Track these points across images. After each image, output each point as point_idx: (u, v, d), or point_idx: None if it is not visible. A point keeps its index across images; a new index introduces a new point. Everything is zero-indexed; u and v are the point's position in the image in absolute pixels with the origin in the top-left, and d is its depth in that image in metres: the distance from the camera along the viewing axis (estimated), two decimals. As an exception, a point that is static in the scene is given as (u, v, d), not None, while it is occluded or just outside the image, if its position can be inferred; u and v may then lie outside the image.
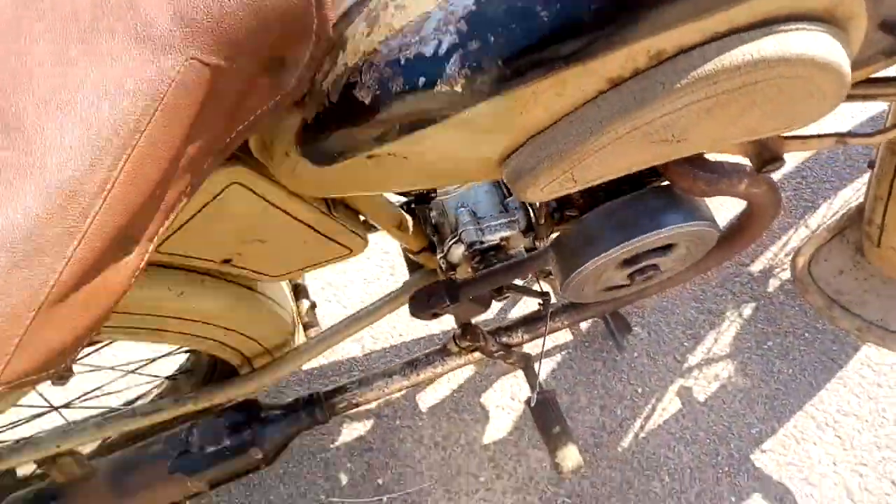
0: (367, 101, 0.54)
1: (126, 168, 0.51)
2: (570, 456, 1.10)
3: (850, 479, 1.29)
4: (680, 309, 1.45)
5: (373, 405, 1.40)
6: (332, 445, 1.37)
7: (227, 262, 0.81)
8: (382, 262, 1.57)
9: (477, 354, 1.14)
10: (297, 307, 1.15)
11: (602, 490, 1.31)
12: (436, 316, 0.79)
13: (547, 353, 1.43)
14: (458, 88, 0.51)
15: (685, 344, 1.42)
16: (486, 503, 1.31)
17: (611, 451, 1.34)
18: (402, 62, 0.52)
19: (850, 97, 0.79)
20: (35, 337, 0.50)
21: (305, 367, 1.46)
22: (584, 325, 1.45)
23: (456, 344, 1.08)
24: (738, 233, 1.08)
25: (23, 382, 0.51)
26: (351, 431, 1.38)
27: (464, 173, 0.63)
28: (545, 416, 1.13)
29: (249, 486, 1.35)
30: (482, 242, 0.92)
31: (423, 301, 0.77)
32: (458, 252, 0.93)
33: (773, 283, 1.45)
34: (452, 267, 0.96)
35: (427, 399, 1.40)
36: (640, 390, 1.38)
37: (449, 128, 0.54)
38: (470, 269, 0.95)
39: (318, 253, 0.87)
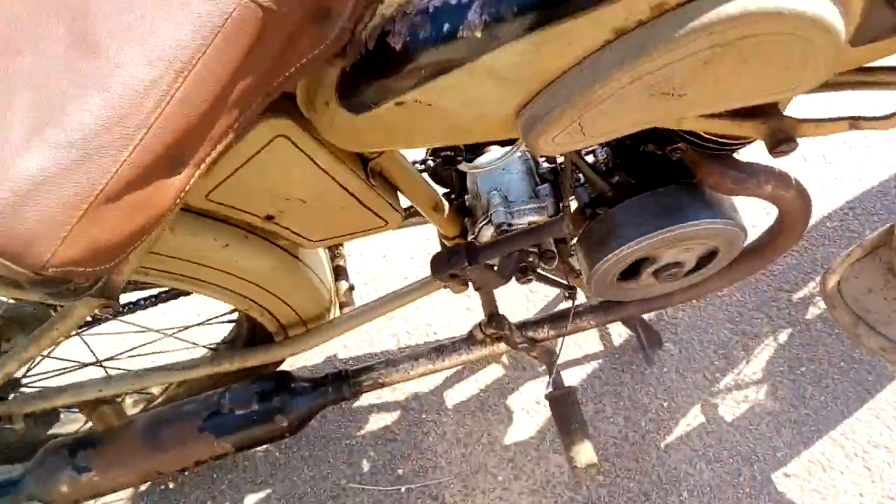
0: (398, 48, 0.59)
1: (181, 89, 0.56)
2: (585, 452, 1.10)
3: (876, 512, 1.26)
4: (714, 329, 1.44)
5: (401, 397, 1.43)
6: (357, 433, 1.40)
7: (269, 218, 0.86)
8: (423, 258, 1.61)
9: (503, 346, 1.17)
10: (336, 287, 1.20)
11: (619, 500, 1.30)
12: (454, 278, 0.82)
13: (576, 362, 1.44)
14: (478, 34, 0.56)
15: (716, 363, 1.41)
16: (503, 502, 1.32)
17: (631, 462, 1.33)
18: (431, 11, 0.57)
19: (863, 84, 0.81)
20: (85, 230, 0.55)
21: (341, 355, 1.50)
22: (615, 338, 1.46)
23: (481, 331, 1.10)
24: (769, 243, 1.09)
25: (70, 271, 0.56)
26: (377, 421, 1.41)
27: (485, 127, 0.67)
28: (563, 411, 1.14)
29: (276, 465, 1.38)
30: (510, 225, 0.95)
31: (444, 261, 0.81)
32: (487, 233, 0.97)
33: (812, 311, 1.44)
34: (481, 243, 0.99)
35: (454, 396, 1.43)
36: (665, 405, 1.38)
37: (470, 74, 0.58)
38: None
39: (355, 221, 0.91)
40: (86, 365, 1.15)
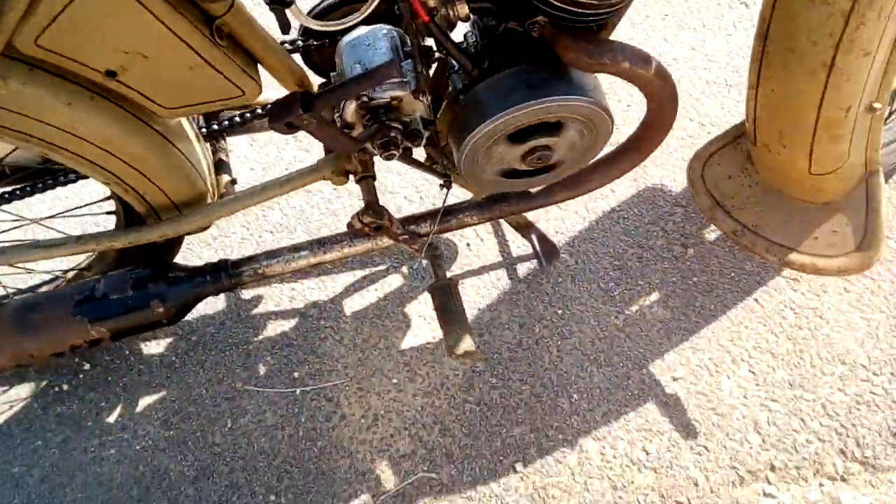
0: None
1: None
2: (464, 340, 1.10)
3: (758, 413, 1.26)
4: (610, 241, 1.44)
5: (300, 304, 1.41)
6: (255, 339, 1.39)
7: (111, 75, 0.83)
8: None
9: (386, 240, 1.15)
10: (218, 180, 1.17)
11: (510, 401, 1.30)
12: (292, 129, 0.80)
13: (474, 272, 1.43)
14: None
15: (611, 273, 1.41)
16: (397, 403, 1.31)
17: (524, 366, 1.33)
18: None
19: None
20: None
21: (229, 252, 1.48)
22: (514, 249, 1.45)
23: (359, 220, 1.09)
24: (642, 134, 1.08)
25: None
26: (275, 328, 1.40)
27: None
28: (443, 301, 1.13)
29: (171, 368, 1.36)
30: (371, 99, 0.93)
31: (278, 108, 0.78)
32: (350, 108, 0.95)
33: (708, 227, 1.44)
34: (348, 126, 0.97)
35: (353, 304, 1.41)
36: (560, 312, 1.37)
37: None
38: (363, 129, 0.96)
39: (208, 87, 0.89)
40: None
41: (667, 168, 1.52)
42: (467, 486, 1.23)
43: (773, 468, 1.22)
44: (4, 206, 1.12)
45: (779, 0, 0.95)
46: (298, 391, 1.34)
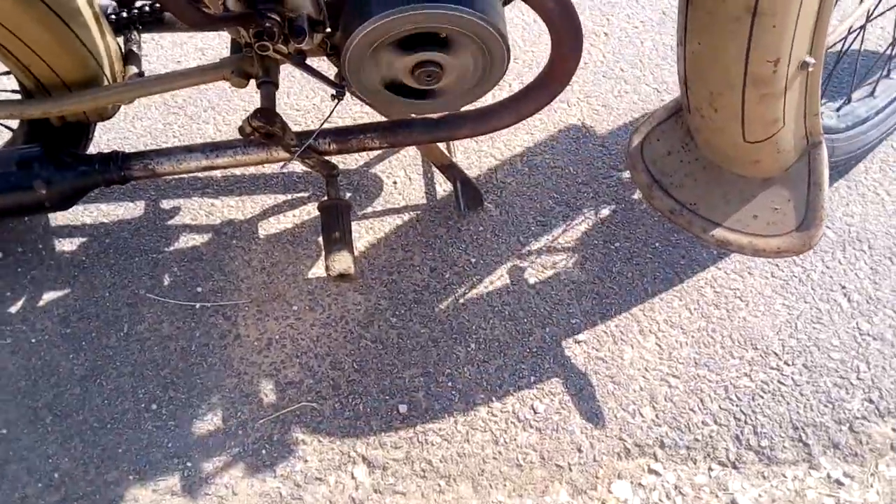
0: None
1: None
2: (342, 260, 1.03)
3: (657, 387, 1.17)
4: (538, 196, 1.35)
5: (216, 221, 1.35)
6: (165, 249, 1.33)
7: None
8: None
9: (283, 153, 1.08)
10: (125, 70, 1.11)
11: (407, 343, 1.23)
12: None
13: (395, 211, 1.35)
14: None
15: (532, 229, 1.32)
16: (292, 329, 1.24)
17: (427, 309, 1.25)
18: None
19: None
20: None
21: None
22: (439, 192, 1.37)
23: (249, 124, 1.01)
24: (548, 70, 0.99)
25: None
26: (187, 241, 1.33)
27: None
28: (330, 220, 1.06)
29: (80, 267, 1.31)
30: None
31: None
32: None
33: (639, 193, 1.35)
34: (227, 10, 0.90)
35: (268, 227, 1.34)
36: (474, 261, 1.29)
37: None
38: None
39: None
40: None
41: (612, 130, 1.43)
42: (347, 422, 1.17)
43: (662, 445, 1.13)
44: None
45: None
46: (198, 305, 1.28)
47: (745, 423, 1.14)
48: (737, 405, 1.15)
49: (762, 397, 1.16)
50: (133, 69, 1.10)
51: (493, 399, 1.18)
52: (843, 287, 1.25)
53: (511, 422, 1.16)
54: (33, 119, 1.09)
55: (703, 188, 1.09)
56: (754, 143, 1.02)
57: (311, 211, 1.35)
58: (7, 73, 1.06)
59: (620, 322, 1.23)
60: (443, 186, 1.37)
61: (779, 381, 1.17)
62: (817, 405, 1.15)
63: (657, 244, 1.29)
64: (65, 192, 1.06)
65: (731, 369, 1.18)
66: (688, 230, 1.08)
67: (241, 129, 1.02)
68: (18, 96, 1.12)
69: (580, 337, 1.22)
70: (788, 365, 1.18)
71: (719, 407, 1.15)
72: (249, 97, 1.49)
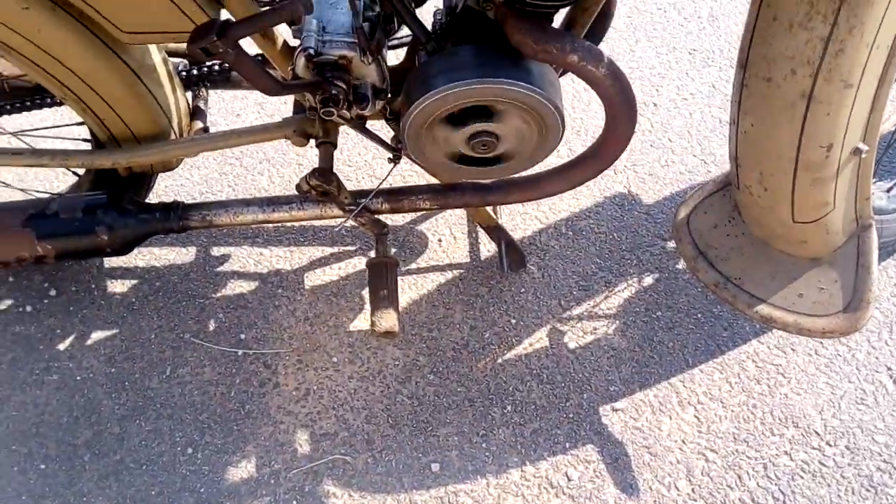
0: None
1: None
2: (388, 318, 1.05)
3: (694, 461, 1.16)
4: (581, 261, 1.37)
5: (263, 269, 1.39)
6: (212, 295, 1.37)
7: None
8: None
9: (336, 210, 1.12)
10: (191, 126, 1.17)
11: (443, 401, 1.24)
12: (209, 55, 0.77)
13: (438, 268, 1.38)
14: None
15: (574, 293, 1.33)
16: (331, 381, 1.26)
17: (465, 368, 1.26)
18: None
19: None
20: None
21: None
22: (483, 252, 1.39)
23: (307, 182, 1.06)
24: (602, 141, 1.02)
25: None
26: (234, 288, 1.37)
27: None
28: (378, 277, 1.09)
29: (129, 308, 1.36)
30: (319, 53, 0.91)
31: (195, 33, 0.76)
32: (301, 62, 0.92)
33: (683, 262, 1.35)
34: (297, 79, 0.95)
35: (314, 279, 1.38)
36: (514, 322, 1.31)
37: None
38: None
39: (160, 14, 0.87)
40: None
41: (658, 200, 1.45)
42: (379, 477, 1.17)
43: (698, 521, 1.12)
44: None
45: (758, 25, 0.88)
46: (241, 352, 1.31)
47: (784, 503, 1.12)
48: (776, 484, 1.13)
49: (802, 477, 1.14)
50: (199, 124, 1.16)
51: (527, 463, 1.17)
52: (889, 369, 1.23)
53: (544, 487, 1.15)
54: (96, 168, 1.14)
55: (749, 263, 1.09)
56: (803, 224, 1.03)
57: (356, 265, 1.39)
58: (81, 123, 1.11)
59: (659, 392, 1.22)
60: (486, 247, 1.40)
61: (820, 462, 1.15)
62: (859, 489, 1.13)
63: (699, 315, 1.29)
64: (126, 239, 1.11)
65: (770, 446, 1.16)
66: (732, 305, 1.08)
67: (298, 187, 1.06)
68: (87, 146, 1.18)
69: (618, 405, 1.22)
70: (830, 446, 1.16)
71: (757, 484, 1.14)
72: (304, 152, 1.55)
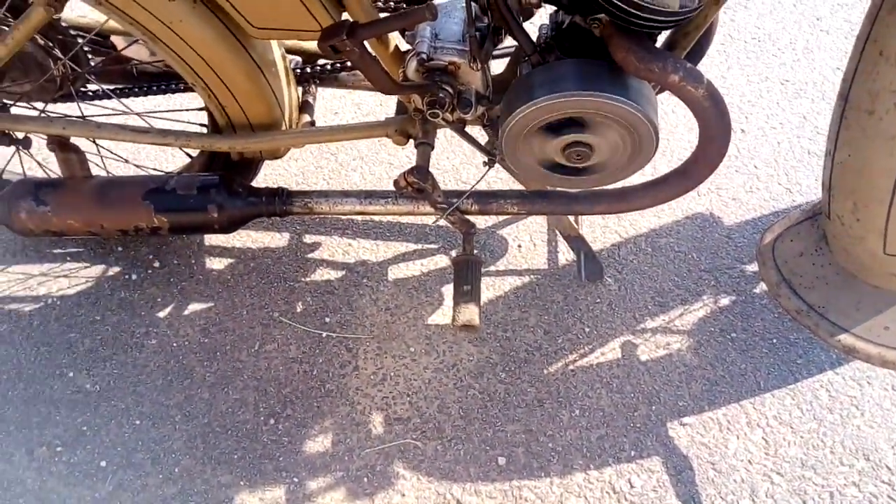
0: None
1: None
2: (469, 312, 1.12)
3: (759, 482, 1.18)
4: (659, 277, 1.41)
5: (350, 259, 1.48)
6: (302, 279, 1.46)
7: (210, -17, 0.94)
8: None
9: (427, 208, 1.19)
10: (299, 118, 1.26)
11: (513, 399, 1.29)
12: (335, 52, 0.86)
13: (517, 272, 1.44)
14: None
15: (649, 308, 1.37)
16: (407, 370, 1.34)
17: (536, 370, 1.32)
18: None
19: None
20: None
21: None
22: (561, 259, 1.45)
23: (404, 178, 1.13)
24: (693, 160, 1.06)
25: None
26: (323, 274, 1.47)
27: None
28: (463, 273, 1.16)
29: (225, 284, 1.46)
30: (430, 59, 0.98)
31: (326, 32, 0.85)
32: (412, 65, 1.01)
33: (762, 287, 1.38)
34: (407, 80, 1.03)
35: (397, 272, 1.46)
36: (587, 331, 1.36)
37: None
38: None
39: (290, 13, 0.97)
40: (65, 116, 1.26)
41: (740, 224, 1.47)
42: (447, 465, 1.24)
43: (758, 541, 1.14)
44: (122, 99, 1.26)
45: (863, 59, 0.92)
46: (325, 334, 1.39)
47: (849, 534, 1.13)
48: (842, 514, 1.15)
49: (870, 511, 1.15)
50: (306, 117, 1.26)
51: (591, 467, 1.22)
52: (969, 412, 1.23)
53: (606, 492, 1.20)
54: (213, 151, 1.25)
55: (834, 293, 1.11)
56: (894, 256, 1.05)
57: (437, 262, 1.46)
58: (202, 108, 1.23)
59: (728, 411, 1.25)
60: (565, 255, 1.45)
61: (889, 496, 1.15)
62: (929, 529, 1.13)
63: (775, 340, 1.31)
64: (233, 218, 1.21)
65: (839, 476, 1.18)
66: (813, 332, 1.10)
67: (395, 183, 1.14)
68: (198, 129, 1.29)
69: (686, 420, 1.25)
70: (901, 482, 1.17)
71: (823, 513, 1.15)
72: (395, 152, 1.63)
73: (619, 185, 1.13)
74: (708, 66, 1.75)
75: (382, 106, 1.71)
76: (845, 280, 1.10)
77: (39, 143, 1.40)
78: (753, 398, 1.26)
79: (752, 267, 1.40)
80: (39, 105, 1.26)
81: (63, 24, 1.20)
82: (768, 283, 1.15)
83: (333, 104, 1.73)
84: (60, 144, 1.18)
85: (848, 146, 0.98)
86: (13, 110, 1.27)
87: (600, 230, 1.48)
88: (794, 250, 1.14)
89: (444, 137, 1.66)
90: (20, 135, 1.29)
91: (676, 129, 1.63)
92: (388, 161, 1.62)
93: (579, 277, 1.39)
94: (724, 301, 1.37)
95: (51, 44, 1.17)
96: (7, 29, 1.02)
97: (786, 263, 1.14)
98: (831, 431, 1.22)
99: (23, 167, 1.42)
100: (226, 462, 1.27)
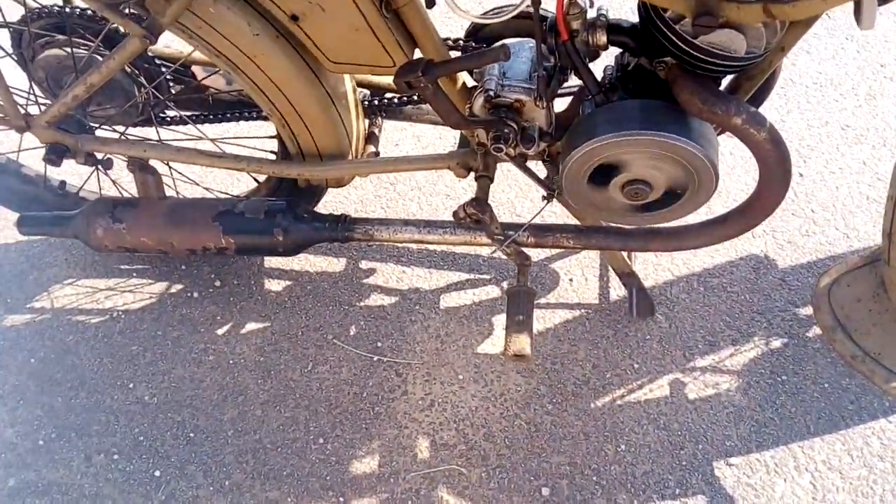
0: None
1: None
2: (521, 342, 1.17)
3: (805, 528, 1.20)
4: (710, 317, 1.44)
5: (404, 286, 1.54)
6: (357, 304, 1.53)
7: (294, 19, 1.02)
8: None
9: (484, 239, 1.25)
10: (365, 149, 1.34)
11: (559, 431, 1.33)
12: (411, 88, 0.93)
13: (567, 306, 1.48)
14: None
15: (700, 347, 1.40)
16: (455, 397, 1.39)
17: (584, 403, 1.36)
18: None
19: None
20: None
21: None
22: (612, 294, 1.49)
23: (464, 210, 1.20)
24: (753, 201, 1.10)
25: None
26: (377, 300, 1.53)
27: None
28: (516, 304, 1.21)
29: (282, 306, 1.54)
30: (498, 95, 1.05)
31: (403, 68, 0.92)
32: (479, 101, 1.07)
33: (814, 331, 1.40)
34: (473, 115, 1.10)
35: (449, 300, 1.52)
36: (636, 367, 1.39)
37: None
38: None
39: (366, 50, 1.05)
40: (146, 140, 1.36)
41: (794, 267, 1.50)
42: (491, 493, 1.28)
43: (804, 588, 1.15)
44: (198, 125, 1.36)
45: None
46: (376, 358, 1.45)
47: (899, 586, 1.14)
48: (891, 565, 1.15)
49: (920, 563, 1.15)
50: (371, 148, 1.34)
51: (635, 502, 1.24)
52: None
53: (650, 529, 1.22)
54: (282, 177, 1.33)
55: (890, 340, 1.13)
56: None
57: (489, 293, 1.52)
58: (273, 136, 1.31)
59: (776, 454, 1.27)
60: (616, 291, 1.49)
61: (940, 550, 1.16)
62: (983, 586, 1.13)
63: (826, 385, 1.33)
64: (297, 242, 1.29)
65: (889, 526, 1.19)
66: (869, 378, 1.12)
67: (455, 214, 1.21)
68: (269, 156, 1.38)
69: (732, 460, 1.27)
70: (954, 536, 1.17)
71: (871, 563, 1.16)
72: (452, 184, 1.70)
73: (674, 223, 1.18)
74: (767, 110, 1.79)
75: (441, 139, 1.78)
76: None
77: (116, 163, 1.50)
78: (802, 442, 1.28)
79: (806, 311, 1.42)
80: (119, 129, 1.36)
81: (149, 53, 1.30)
82: (823, 328, 1.17)
83: (395, 136, 1.81)
84: (140, 166, 1.28)
85: None
86: (97, 133, 1.38)
87: (652, 268, 1.52)
88: (850, 295, 1.17)
89: (502, 171, 1.72)
90: (100, 155, 1.39)
91: (734, 171, 1.67)
92: (445, 192, 1.69)
93: (630, 314, 1.43)
94: (776, 343, 1.39)
95: (136, 72, 1.27)
96: (102, 58, 1.12)
97: (842, 308, 1.16)
98: (882, 479, 1.23)
99: (100, 186, 1.52)
100: (275, 478, 1.33)
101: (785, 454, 1.27)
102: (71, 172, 1.59)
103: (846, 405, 1.31)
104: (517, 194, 1.68)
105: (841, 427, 1.29)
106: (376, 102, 1.35)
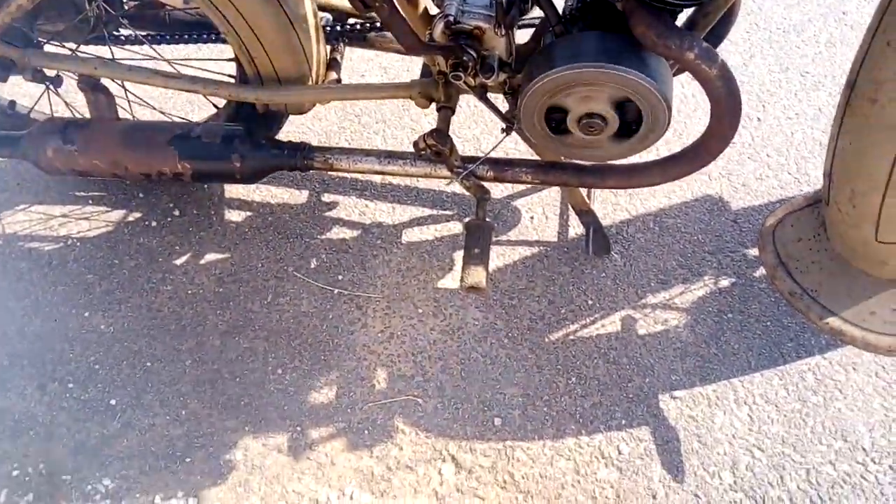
0: None
1: None
2: (476, 274, 1.21)
3: (741, 455, 1.29)
4: (664, 256, 1.50)
5: (367, 220, 1.58)
6: (318, 237, 1.56)
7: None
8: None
9: (444, 172, 1.28)
10: (326, 75, 1.35)
11: (513, 364, 1.39)
12: (367, 7, 0.94)
13: (527, 244, 1.53)
14: None
15: (652, 285, 1.47)
16: (414, 330, 1.44)
17: (538, 337, 1.42)
18: None
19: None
20: None
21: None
22: (571, 233, 1.54)
23: (423, 141, 1.22)
24: (703, 139, 1.15)
25: None
26: (339, 233, 1.57)
27: None
28: (473, 237, 1.25)
29: (243, 237, 1.57)
30: (457, 22, 1.06)
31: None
32: (439, 27, 1.09)
33: (761, 271, 1.47)
34: (433, 41, 1.11)
35: (412, 235, 1.56)
36: (590, 303, 1.45)
37: None
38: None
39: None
40: (98, 57, 1.34)
41: (747, 209, 1.56)
42: (445, 422, 1.34)
43: (736, 511, 1.24)
44: (153, 45, 1.35)
45: (871, 49, 1.00)
46: (336, 291, 1.49)
47: (823, 509, 1.23)
48: (815, 489, 1.25)
49: (842, 487, 1.25)
50: (333, 74, 1.35)
51: (583, 432, 1.32)
52: (950, 404, 1.32)
53: (595, 456, 1.30)
54: (240, 102, 1.34)
55: (827, 278, 1.20)
56: (885, 245, 1.14)
57: (451, 228, 1.56)
58: (232, 59, 1.31)
59: (718, 388, 1.35)
60: (575, 230, 1.54)
61: (861, 476, 1.25)
62: (898, 508, 1.23)
63: (769, 323, 1.41)
64: (255, 169, 1.31)
65: (816, 454, 1.28)
66: (804, 314, 1.20)
67: (415, 144, 1.23)
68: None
69: (677, 393, 1.35)
70: (875, 462, 1.26)
71: (797, 487, 1.25)
72: (418, 118, 1.72)
73: (631, 160, 1.22)
74: (731, 53, 1.84)
75: (409, 72, 1.79)
76: (839, 267, 1.19)
77: (67, 85, 1.48)
78: (743, 377, 1.36)
79: (755, 252, 1.50)
80: (71, 45, 1.34)
81: (101, -32, 1.29)
82: (766, 265, 1.24)
83: (360, 67, 1.81)
84: (91, 85, 1.27)
85: (850, 134, 1.06)
86: (46, 49, 1.36)
87: (611, 207, 1.57)
88: (793, 235, 1.23)
89: (468, 107, 1.74)
90: (51, 73, 1.37)
91: (695, 113, 1.72)
92: (410, 126, 1.71)
93: (587, 251, 1.48)
94: (724, 283, 1.46)
95: (88, -14, 1.26)
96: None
97: (784, 247, 1.23)
98: (813, 412, 1.32)
99: (51, 108, 1.51)
100: (232, 407, 1.37)
101: (726, 388, 1.35)
102: (22, 93, 1.57)
103: (786, 343, 1.39)
104: (482, 130, 1.71)
105: (779, 363, 1.37)
106: (338, 28, 1.36)
